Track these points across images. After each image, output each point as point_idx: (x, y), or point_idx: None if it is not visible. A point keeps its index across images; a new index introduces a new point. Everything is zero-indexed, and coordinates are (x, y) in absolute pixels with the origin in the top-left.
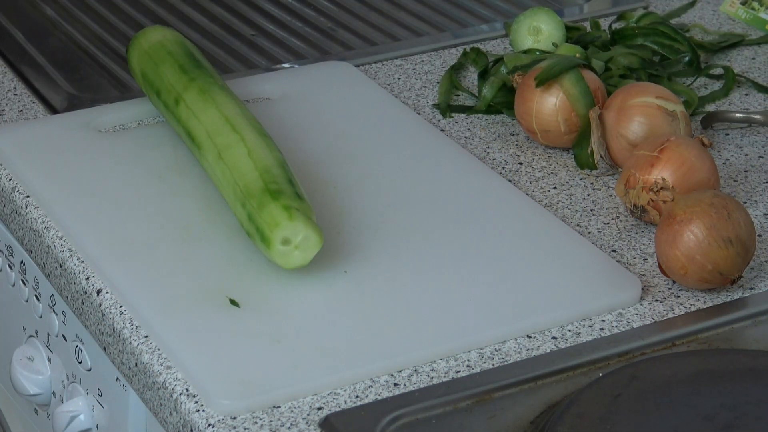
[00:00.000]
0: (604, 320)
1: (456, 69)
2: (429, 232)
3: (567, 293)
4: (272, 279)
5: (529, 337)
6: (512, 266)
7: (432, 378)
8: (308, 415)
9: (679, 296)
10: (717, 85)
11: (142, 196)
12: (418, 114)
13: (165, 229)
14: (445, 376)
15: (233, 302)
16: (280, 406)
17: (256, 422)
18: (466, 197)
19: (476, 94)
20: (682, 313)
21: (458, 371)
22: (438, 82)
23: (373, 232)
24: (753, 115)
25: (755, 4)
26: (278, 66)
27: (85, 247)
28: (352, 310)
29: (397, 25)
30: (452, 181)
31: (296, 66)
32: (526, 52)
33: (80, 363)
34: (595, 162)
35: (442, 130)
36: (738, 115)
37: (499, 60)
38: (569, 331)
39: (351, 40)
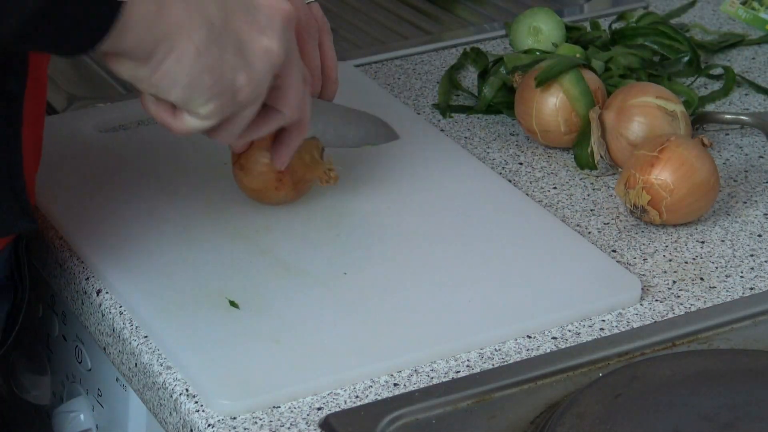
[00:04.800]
0: (604, 320)
1: (456, 69)
2: (429, 233)
3: (567, 294)
4: (272, 280)
5: (529, 337)
6: (512, 267)
7: (432, 378)
8: (308, 415)
9: (679, 296)
10: (717, 85)
11: (143, 196)
12: (418, 114)
13: (165, 230)
14: (445, 376)
15: (233, 303)
16: (280, 407)
17: (256, 422)
18: (466, 198)
19: (476, 94)
20: (682, 313)
21: (458, 371)
22: (438, 82)
23: (372, 233)
24: (741, 117)
25: (755, 4)
26: None
27: (85, 248)
28: (351, 310)
29: (398, 25)
30: (452, 182)
31: None
32: (526, 52)
33: (80, 363)
34: (595, 162)
35: (441, 130)
36: (728, 116)
37: (499, 60)
38: (569, 331)
39: (351, 40)
